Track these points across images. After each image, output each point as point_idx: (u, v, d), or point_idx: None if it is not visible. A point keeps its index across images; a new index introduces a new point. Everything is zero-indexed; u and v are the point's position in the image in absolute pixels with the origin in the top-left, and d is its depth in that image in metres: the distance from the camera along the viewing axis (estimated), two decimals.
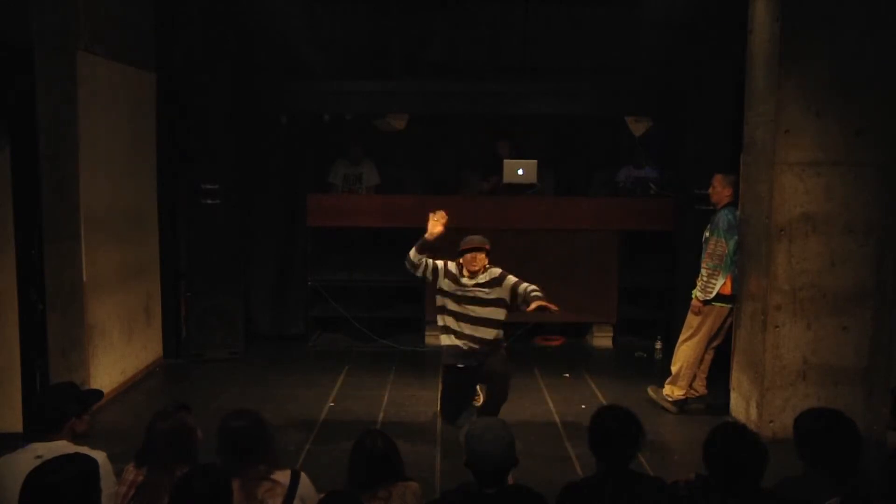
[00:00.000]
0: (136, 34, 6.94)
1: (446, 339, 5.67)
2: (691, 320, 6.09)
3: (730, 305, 5.97)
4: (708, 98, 7.46)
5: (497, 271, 5.61)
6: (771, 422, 5.54)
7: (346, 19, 8.39)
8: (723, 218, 5.95)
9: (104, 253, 6.30)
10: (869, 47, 5.39)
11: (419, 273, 5.64)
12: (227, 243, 7.58)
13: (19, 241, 5.27)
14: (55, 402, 3.47)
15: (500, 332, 5.66)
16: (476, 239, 5.59)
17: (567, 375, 7.19)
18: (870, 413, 5.46)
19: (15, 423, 5.31)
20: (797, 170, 5.46)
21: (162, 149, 7.39)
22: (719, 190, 6.03)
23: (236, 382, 6.89)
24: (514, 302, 5.55)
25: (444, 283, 5.62)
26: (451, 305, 5.61)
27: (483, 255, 5.55)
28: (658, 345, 7.76)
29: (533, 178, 7.91)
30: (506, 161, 7.98)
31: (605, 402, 6.29)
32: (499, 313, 5.58)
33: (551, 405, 6.37)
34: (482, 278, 5.56)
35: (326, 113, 8.87)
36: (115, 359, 6.53)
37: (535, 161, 7.89)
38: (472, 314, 5.56)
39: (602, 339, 8.27)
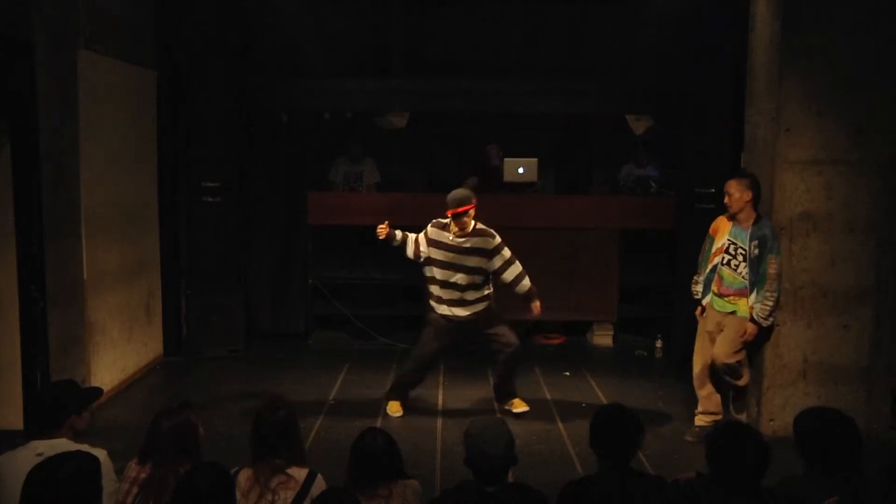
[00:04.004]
0: (136, 31, 6.94)
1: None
2: (736, 335, 5.43)
3: None
4: (708, 96, 7.45)
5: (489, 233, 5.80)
6: (771, 420, 5.54)
7: (347, 17, 8.38)
8: (775, 233, 5.36)
9: (105, 250, 6.30)
10: (870, 46, 5.39)
11: (410, 254, 5.88)
12: (228, 241, 7.59)
13: (20, 238, 5.27)
14: (56, 399, 3.48)
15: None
16: (459, 196, 5.67)
17: (567, 374, 7.19)
18: (870, 412, 5.46)
19: (15, 421, 5.31)
20: (798, 168, 5.46)
21: (162, 146, 7.39)
22: (738, 196, 5.36)
23: (237, 380, 6.89)
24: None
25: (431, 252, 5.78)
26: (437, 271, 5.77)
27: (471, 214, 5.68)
28: (658, 343, 7.76)
29: (534, 177, 7.92)
30: (506, 160, 7.98)
31: (605, 401, 6.30)
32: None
33: (551, 404, 6.36)
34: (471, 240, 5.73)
35: (327, 111, 8.87)
36: (116, 356, 6.54)
37: (536, 159, 7.89)
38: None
39: (602, 338, 8.26)
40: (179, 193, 7.53)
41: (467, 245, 5.71)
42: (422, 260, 5.87)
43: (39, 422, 3.42)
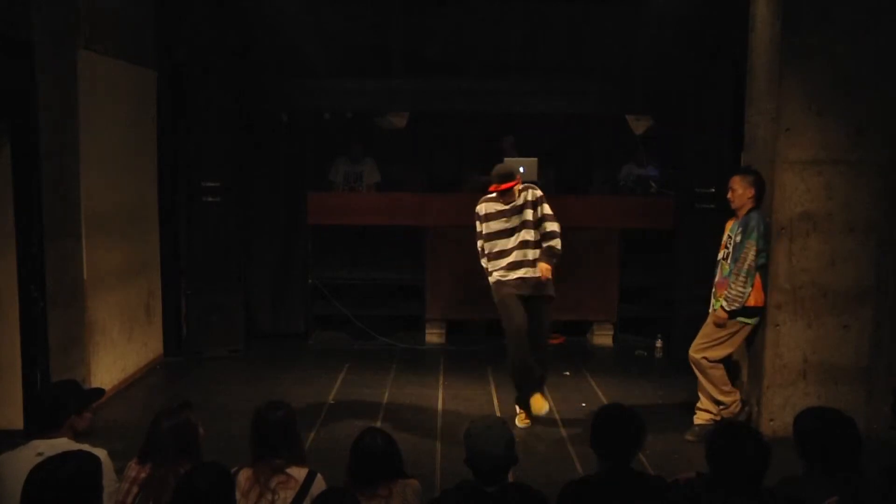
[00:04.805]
0: (136, 31, 6.94)
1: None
2: (713, 331, 5.53)
3: (754, 320, 5.51)
4: (709, 96, 7.46)
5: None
6: (771, 420, 5.54)
7: (347, 17, 8.39)
8: (757, 221, 5.38)
9: (105, 250, 6.30)
10: (870, 46, 5.39)
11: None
12: (228, 241, 7.59)
13: (20, 238, 5.27)
14: (56, 399, 3.48)
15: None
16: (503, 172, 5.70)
17: (567, 374, 7.19)
18: (870, 412, 5.46)
19: (16, 421, 5.31)
20: (798, 168, 5.46)
21: (162, 146, 7.39)
22: (741, 192, 5.44)
23: (236, 380, 6.90)
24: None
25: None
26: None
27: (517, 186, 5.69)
28: (658, 343, 7.76)
29: (534, 177, 7.91)
30: (506, 159, 7.97)
31: (605, 401, 6.30)
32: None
33: (552, 403, 6.35)
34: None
35: (327, 111, 8.88)
36: (116, 356, 6.54)
37: (536, 159, 7.89)
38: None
39: (602, 338, 8.27)
40: (179, 193, 7.53)
41: (520, 202, 5.78)
42: (483, 235, 5.87)
43: (40, 422, 3.43)
